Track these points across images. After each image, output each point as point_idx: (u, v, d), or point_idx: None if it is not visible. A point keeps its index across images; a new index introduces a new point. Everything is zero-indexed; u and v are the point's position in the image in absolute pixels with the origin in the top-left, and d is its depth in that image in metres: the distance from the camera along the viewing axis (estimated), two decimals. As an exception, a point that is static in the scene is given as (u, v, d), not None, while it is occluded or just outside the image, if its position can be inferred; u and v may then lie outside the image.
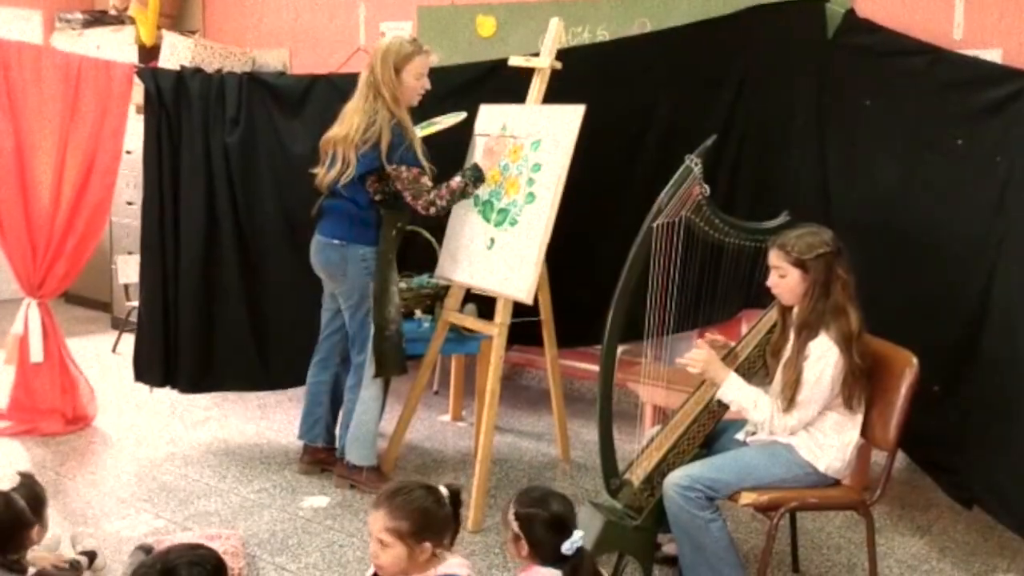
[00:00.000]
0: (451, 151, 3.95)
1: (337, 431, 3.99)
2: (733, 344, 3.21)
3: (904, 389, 2.79)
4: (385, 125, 3.54)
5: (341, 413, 3.96)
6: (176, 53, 5.93)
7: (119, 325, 6.16)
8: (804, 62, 4.01)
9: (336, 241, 3.72)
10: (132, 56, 6.23)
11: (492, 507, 3.67)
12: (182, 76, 4.34)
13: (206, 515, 3.59)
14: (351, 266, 3.71)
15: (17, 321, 4.40)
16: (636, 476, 2.96)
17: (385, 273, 3.67)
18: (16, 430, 4.37)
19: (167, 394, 4.68)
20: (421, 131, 3.85)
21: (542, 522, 2.29)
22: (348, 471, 3.84)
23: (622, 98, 4.28)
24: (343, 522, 3.55)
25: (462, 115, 4.03)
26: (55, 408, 4.44)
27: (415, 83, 3.65)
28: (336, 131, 3.66)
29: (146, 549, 2.87)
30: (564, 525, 2.29)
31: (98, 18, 6.71)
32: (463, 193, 3.67)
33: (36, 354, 4.41)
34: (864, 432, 2.87)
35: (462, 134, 4.04)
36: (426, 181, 3.60)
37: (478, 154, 3.81)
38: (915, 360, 2.79)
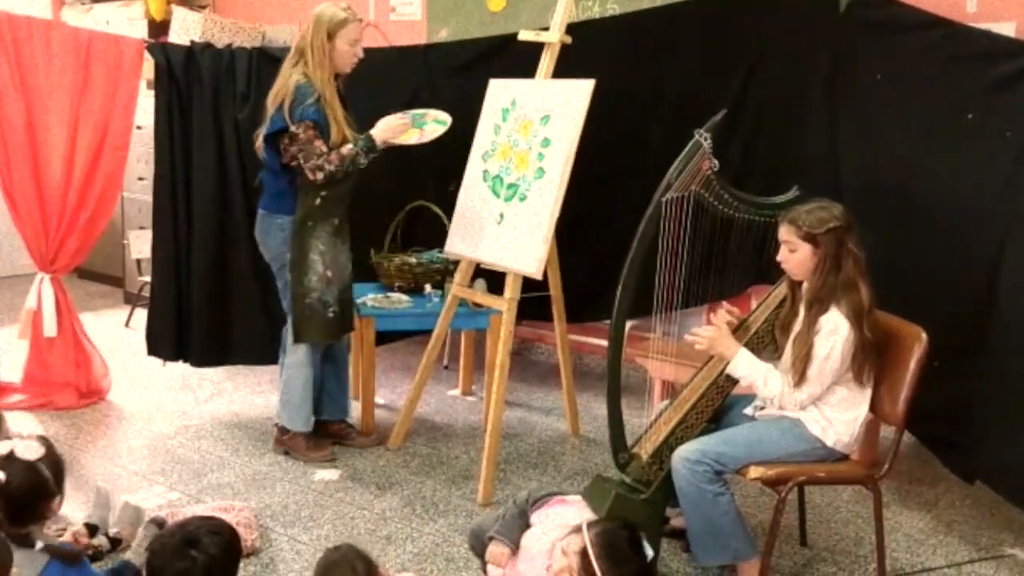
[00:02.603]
0: (456, 126, 3.95)
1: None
2: (746, 316, 3.21)
3: (913, 364, 2.79)
4: (292, 85, 3.56)
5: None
6: (186, 28, 5.92)
7: (132, 300, 6.20)
8: (816, 36, 3.98)
9: (262, 211, 3.80)
10: (142, 31, 6.23)
11: (501, 480, 3.70)
12: (192, 51, 4.34)
13: (219, 487, 3.63)
14: (271, 236, 3.77)
15: (30, 296, 4.44)
16: (645, 450, 2.98)
17: (303, 241, 3.67)
18: (31, 404, 4.41)
19: (180, 368, 4.72)
20: (413, 124, 3.81)
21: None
22: (280, 434, 3.93)
23: (633, 73, 4.28)
24: (354, 495, 3.58)
25: (446, 123, 3.85)
26: (69, 382, 4.48)
27: (348, 49, 3.65)
28: None
29: (158, 523, 2.90)
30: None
31: (108, -7, 6.70)
32: (353, 162, 3.60)
33: (50, 329, 4.44)
34: (873, 407, 2.88)
35: (471, 110, 4.04)
36: (319, 145, 3.56)
37: (380, 127, 3.70)
38: (924, 335, 2.79)
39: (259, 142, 3.71)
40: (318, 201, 3.66)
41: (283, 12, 6.34)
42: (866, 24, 3.80)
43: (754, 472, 2.81)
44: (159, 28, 6.26)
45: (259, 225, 3.84)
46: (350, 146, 3.61)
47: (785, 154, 4.11)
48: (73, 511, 3.22)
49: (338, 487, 3.66)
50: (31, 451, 2.27)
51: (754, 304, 3.40)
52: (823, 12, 3.96)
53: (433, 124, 3.86)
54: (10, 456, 2.26)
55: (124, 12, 6.53)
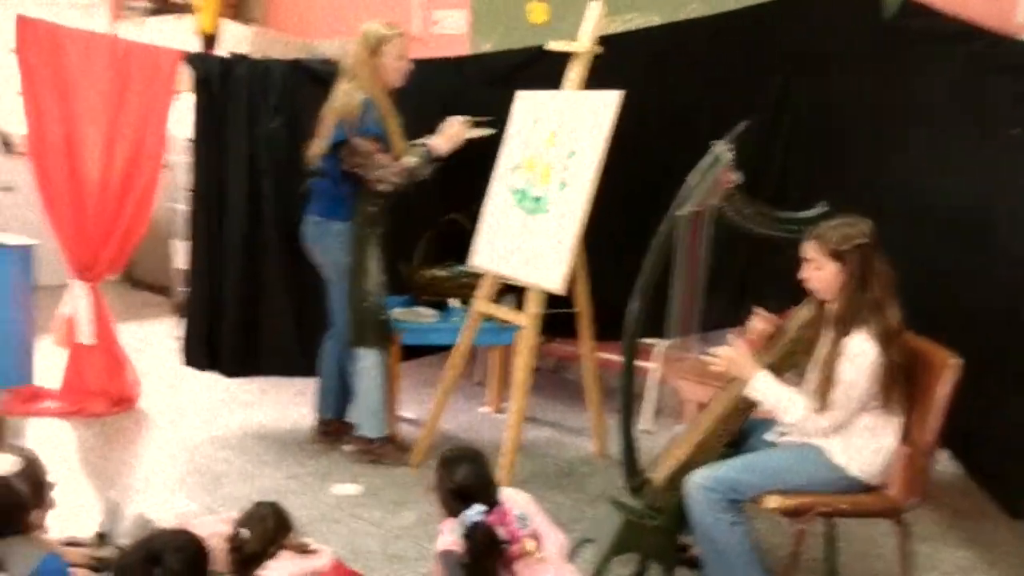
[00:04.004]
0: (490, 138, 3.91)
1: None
2: (781, 324, 3.06)
3: (944, 391, 2.63)
4: (355, 101, 3.67)
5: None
6: (235, 42, 5.99)
7: (177, 309, 6.26)
8: (858, 47, 3.83)
9: (317, 218, 3.87)
10: (193, 45, 6.30)
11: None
12: (228, 63, 4.38)
13: (236, 499, 3.59)
14: (328, 242, 3.83)
15: (67, 304, 4.49)
16: (659, 475, 2.86)
17: (361, 248, 3.77)
18: (65, 410, 4.46)
19: (215, 378, 4.71)
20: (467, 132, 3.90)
21: (446, 487, 2.50)
22: (365, 444, 3.93)
23: (670, 85, 4.17)
24: (370, 511, 3.53)
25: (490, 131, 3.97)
26: (103, 390, 4.52)
27: (395, 64, 3.78)
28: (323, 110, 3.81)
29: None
30: (465, 496, 2.45)
31: (161, 7, 6.82)
32: (414, 173, 3.72)
33: (86, 336, 4.49)
34: (902, 436, 2.71)
35: (506, 123, 3.97)
36: (381, 158, 3.68)
37: (440, 136, 3.82)
38: (956, 360, 2.63)
39: (315, 150, 3.78)
40: (374, 210, 3.75)
41: (332, 26, 6.38)
42: (909, 34, 3.64)
43: (771, 502, 2.67)
44: (210, 42, 6.34)
45: (312, 231, 3.90)
46: (412, 158, 3.70)
47: (827, 167, 3.96)
48: (89, 520, 3.22)
49: (355, 502, 3.60)
50: (5, 465, 2.25)
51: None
52: (866, 22, 3.81)
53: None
54: None
55: (177, 25, 6.63)
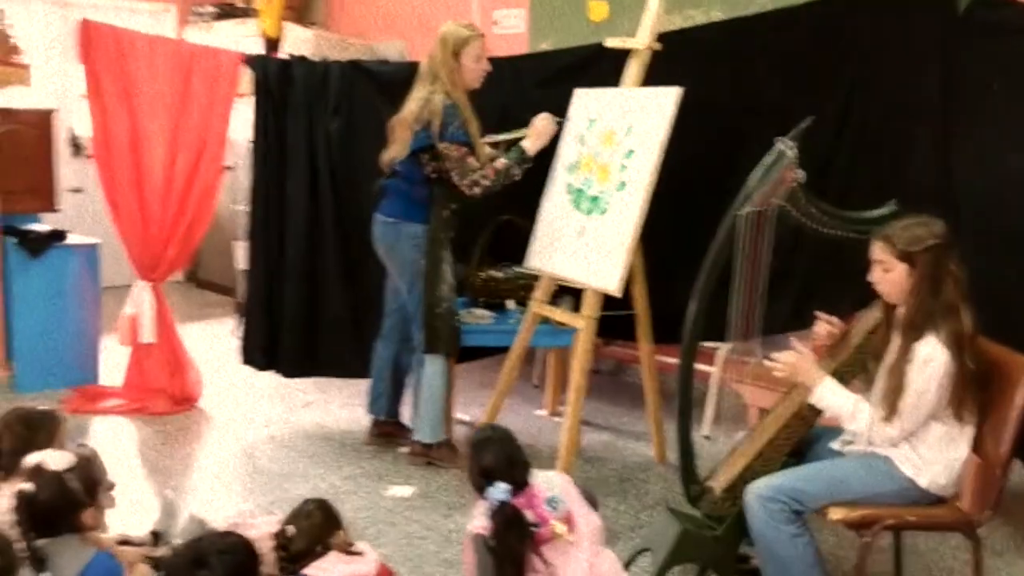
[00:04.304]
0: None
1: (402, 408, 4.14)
2: (847, 330, 2.95)
3: (1020, 399, 2.51)
4: (439, 105, 3.61)
5: (411, 392, 4.04)
6: (297, 45, 6.03)
7: (239, 309, 6.32)
8: (930, 42, 3.68)
9: (390, 219, 3.81)
10: (257, 48, 6.36)
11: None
12: (287, 64, 4.40)
13: (291, 500, 3.54)
14: (402, 243, 3.78)
15: (129, 303, 4.56)
16: (718, 483, 2.78)
17: (435, 252, 3.71)
18: (127, 408, 4.53)
19: (273, 378, 4.74)
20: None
21: (474, 468, 2.51)
22: (423, 449, 3.90)
23: (733, 82, 4.05)
24: (424, 514, 3.50)
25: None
26: (163, 388, 4.58)
27: (475, 66, 3.72)
28: (399, 114, 3.74)
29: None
30: (492, 476, 2.43)
31: (227, 11, 6.92)
32: (507, 175, 3.64)
33: (148, 335, 4.56)
34: (974, 446, 2.59)
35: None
36: (472, 162, 3.62)
37: (530, 134, 3.74)
38: (1033, 367, 2.50)
39: (391, 155, 3.75)
40: (446, 213, 3.73)
41: (391, 28, 6.39)
42: (983, 28, 3.49)
43: (835, 513, 2.57)
44: (273, 45, 6.39)
45: (385, 232, 3.85)
46: (503, 160, 3.67)
47: (897, 166, 3.81)
48: (146, 519, 3.24)
49: (409, 505, 3.58)
50: (59, 462, 2.25)
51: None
52: (938, 16, 3.66)
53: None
54: (38, 468, 2.25)
55: (242, 29, 6.71)
